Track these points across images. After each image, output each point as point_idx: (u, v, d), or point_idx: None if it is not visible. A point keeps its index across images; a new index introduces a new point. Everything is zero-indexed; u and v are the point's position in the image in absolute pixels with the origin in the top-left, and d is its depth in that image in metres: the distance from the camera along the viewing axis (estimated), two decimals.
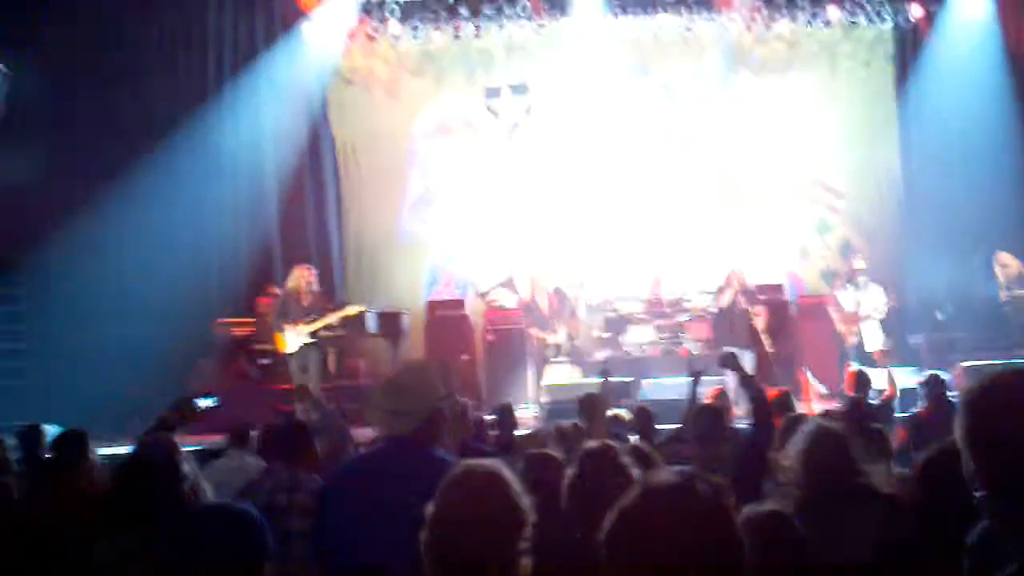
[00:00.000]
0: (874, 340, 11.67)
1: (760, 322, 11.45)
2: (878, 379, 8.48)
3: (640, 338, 12.11)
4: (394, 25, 13.37)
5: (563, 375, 11.45)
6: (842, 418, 5.67)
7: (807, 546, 2.88)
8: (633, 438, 6.47)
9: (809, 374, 10.92)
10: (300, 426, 5.23)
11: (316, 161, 13.45)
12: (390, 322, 11.77)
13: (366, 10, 13.29)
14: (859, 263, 12.12)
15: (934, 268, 12.43)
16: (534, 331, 11.80)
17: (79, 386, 9.34)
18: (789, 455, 3.82)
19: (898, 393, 8.31)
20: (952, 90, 13.00)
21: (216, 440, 6.82)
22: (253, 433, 6.09)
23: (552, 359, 11.67)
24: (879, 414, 7.43)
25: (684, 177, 13.71)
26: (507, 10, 13.30)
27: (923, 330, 12.20)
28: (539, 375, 11.59)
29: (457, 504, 2.42)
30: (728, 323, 11.51)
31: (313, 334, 10.58)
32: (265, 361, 11.49)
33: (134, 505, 3.50)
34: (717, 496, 1.87)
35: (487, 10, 13.30)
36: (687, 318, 12.28)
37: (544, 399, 10.83)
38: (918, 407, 7.75)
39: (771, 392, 7.14)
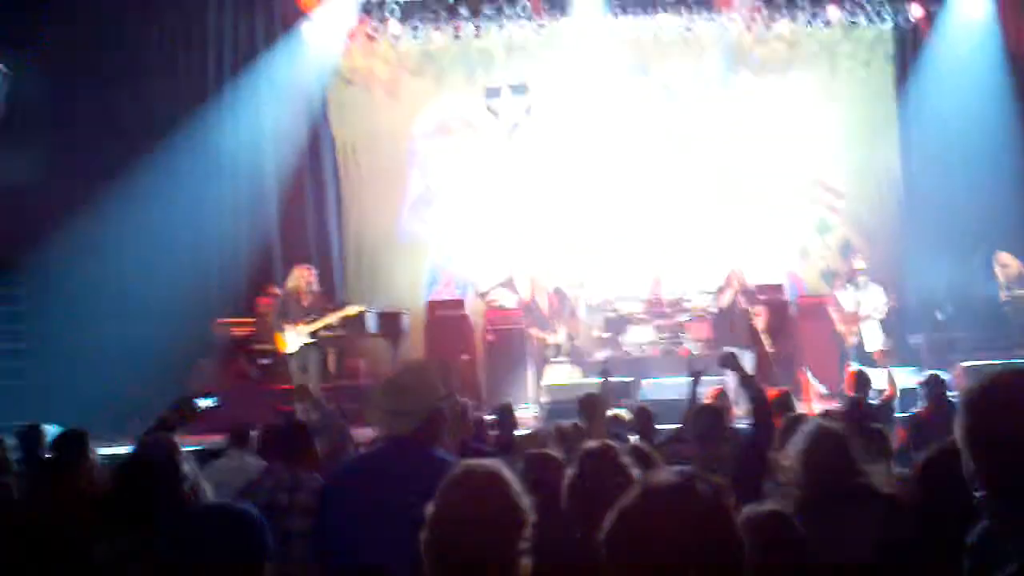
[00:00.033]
0: (874, 340, 11.67)
1: (760, 322, 11.45)
2: (878, 379, 8.48)
3: (640, 338, 12.10)
4: (394, 25, 13.36)
5: (563, 375, 11.45)
6: (842, 418, 5.67)
7: (807, 546, 2.88)
8: (633, 438, 6.47)
9: (809, 374, 10.92)
10: (300, 426, 5.23)
11: (316, 161, 13.44)
12: (390, 322, 11.76)
13: (366, 10, 13.29)
14: (859, 263, 12.12)
15: (934, 268, 12.42)
16: (534, 331, 11.80)
17: (79, 386, 9.33)
18: (789, 455, 3.82)
19: (898, 393, 8.30)
20: (952, 90, 12.99)
21: (216, 440, 6.82)
22: (253, 433, 6.09)
23: (552, 359, 11.67)
24: (879, 414, 7.43)
25: (684, 177, 13.70)
26: (507, 10, 13.29)
27: (923, 330, 12.20)
28: (539, 375, 11.59)
29: (457, 504, 2.42)
30: (728, 323, 11.51)
31: (313, 334, 10.58)
32: (265, 361, 11.49)
33: (134, 505, 3.50)
34: (717, 496, 1.87)
35: (487, 10, 13.29)
36: (687, 318, 12.28)
37: (544, 399, 10.83)
38: (918, 407, 7.75)
39: (771, 392, 7.14)
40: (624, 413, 7.53)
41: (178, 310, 11.06)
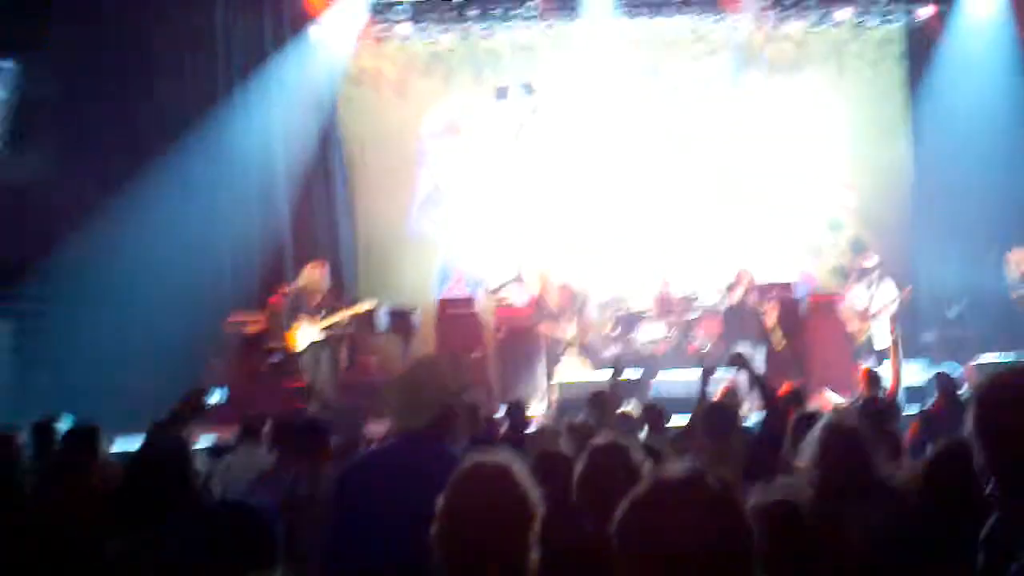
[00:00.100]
0: (885, 337, 11.63)
1: (771, 319, 11.44)
2: (887, 375, 8.46)
3: (650, 335, 12.10)
4: (403, 26, 13.42)
5: (574, 372, 11.45)
6: (855, 415, 5.65)
7: (815, 534, 2.87)
8: (643, 435, 6.48)
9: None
10: (314, 421, 5.24)
11: (326, 161, 13.47)
12: (401, 319, 11.80)
13: (375, 11, 13.33)
14: (871, 260, 12.08)
15: (946, 266, 12.40)
16: (544, 328, 11.80)
17: (93, 381, 9.37)
18: (803, 453, 3.81)
19: (901, 388, 8.28)
20: (964, 87, 12.93)
21: (228, 435, 6.84)
22: (265, 429, 6.10)
23: (562, 356, 11.67)
24: (888, 411, 7.41)
25: (693, 176, 13.71)
26: (516, 11, 13.32)
27: (934, 327, 12.15)
28: (549, 372, 11.59)
29: (466, 497, 2.43)
30: (739, 321, 11.51)
31: (324, 331, 10.65)
32: (277, 358, 11.52)
33: (146, 502, 3.51)
34: (726, 489, 1.88)
35: (496, 11, 13.32)
36: (697, 315, 12.28)
37: (555, 396, 10.83)
38: (928, 403, 7.74)
39: (783, 387, 7.14)
40: (634, 410, 7.53)
41: (191, 308, 11.09)
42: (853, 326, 11.79)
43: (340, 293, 11.82)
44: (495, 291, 13.02)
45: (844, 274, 13.21)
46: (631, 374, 9.18)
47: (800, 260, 13.64)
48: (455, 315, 12.18)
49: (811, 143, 13.88)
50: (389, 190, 13.79)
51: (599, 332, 12.25)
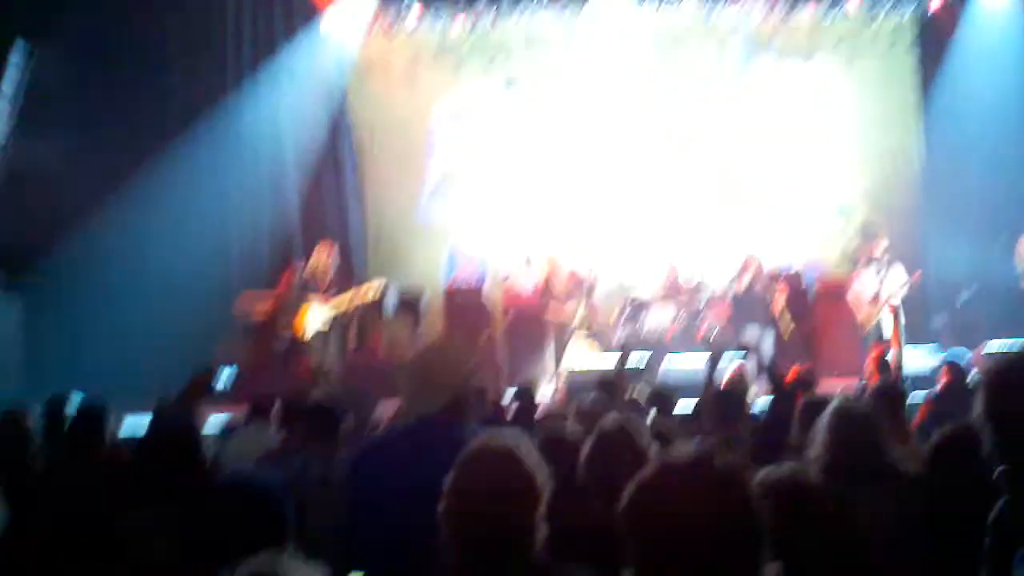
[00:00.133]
0: (889, 322, 11.62)
1: (779, 305, 11.44)
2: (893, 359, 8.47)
3: (658, 320, 12.09)
4: (412, 15, 13.44)
5: (582, 357, 11.47)
6: (865, 399, 5.65)
7: (824, 509, 2.85)
8: (650, 419, 6.47)
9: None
10: (325, 404, 5.25)
11: (335, 149, 13.52)
12: (409, 302, 11.85)
13: (385, 1, 13.36)
14: (880, 246, 12.04)
15: (955, 252, 12.37)
16: (552, 313, 11.81)
17: (103, 362, 9.42)
18: (813, 438, 3.81)
19: (903, 373, 8.29)
20: (975, 75, 12.90)
21: (237, 414, 6.87)
22: (274, 409, 6.11)
23: (570, 342, 11.68)
24: (897, 395, 7.40)
25: (703, 163, 13.69)
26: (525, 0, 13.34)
27: (943, 313, 12.13)
28: (558, 357, 11.60)
29: (473, 476, 2.44)
30: (747, 306, 11.51)
31: (333, 311, 10.72)
32: (285, 341, 11.54)
33: (156, 479, 3.53)
34: (734, 472, 1.89)
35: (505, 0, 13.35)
36: (705, 301, 12.27)
37: (563, 381, 10.85)
38: (936, 388, 7.73)
39: (791, 372, 7.15)
40: (641, 395, 7.53)
41: (201, 292, 11.15)
42: (862, 312, 11.77)
43: (349, 274, 11.88)
44: (504, 277, 13.02)
45: (853, 260, 13.18)
46: (639, 359, 9.17)
47: (809, 246, 13.61)
48: (463, 299, 12.21)
49: (821, 130, 13.83)
50: (399, 178, 13.82)
51: (607, 317, 12.25)
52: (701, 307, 12.15)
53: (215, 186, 11.86)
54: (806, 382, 6.77)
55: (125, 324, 10.62)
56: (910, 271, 11.58)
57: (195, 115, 11.91)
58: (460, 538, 2.41)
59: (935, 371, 8.21)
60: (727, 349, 7.72)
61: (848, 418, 3.75)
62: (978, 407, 2.31)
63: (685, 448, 1.96)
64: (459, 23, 13.56)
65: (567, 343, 11.66)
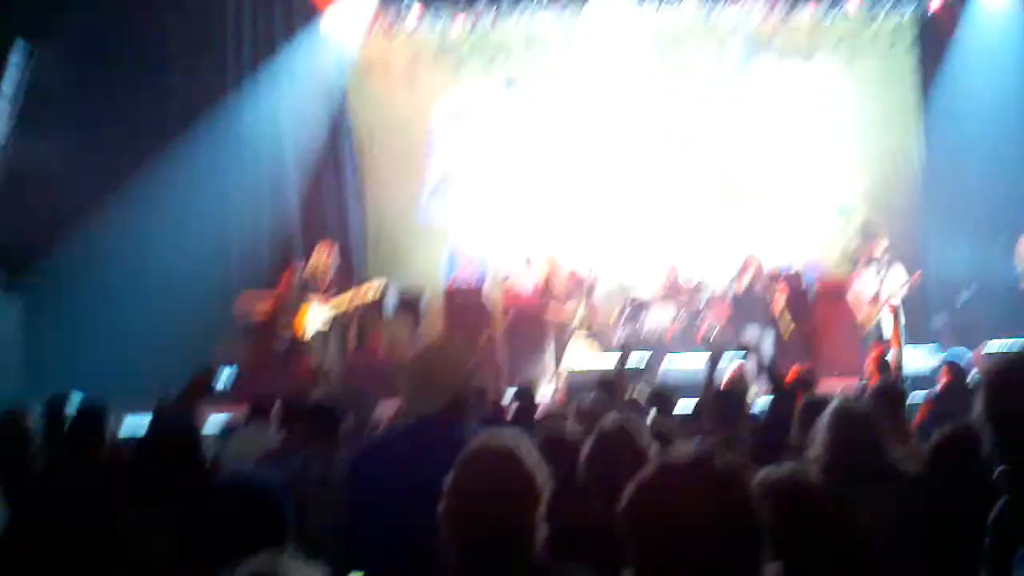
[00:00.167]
0: (889, 322, 11.62)
1: (779, 305, 11.44)
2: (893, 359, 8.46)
3: (658, 322, 12.10)
4: (412, 15, 13.45)
5: (582, 358, 11.46)
6: (865, 399, 5.65)
7: (823, 509, 2.86)
8: (650, 419, 6.47)
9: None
10: (325, 404, 5.25)
11: (336, 150, 13.53)
12: (409, 302, 11.85)
13: (385, 1, 13.37)
14: (880, 246, 12.05)
15: (955, 252, 12.37)
16: (552, 314, 11.81)
17: (103, 362, 9.42)
18: (814, 438, 3.81)
19: (903, 373, 8.28)
20: (975, 75, 12.91)
21: (237, 414, 6.86)
22: (274, 409, 6.11)
23: (570, 342, 11.68)
24: (897, 395, 7.40)
25: (703, 163, 13.69)
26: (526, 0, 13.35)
27: (943, 313, 12.13)
28: (558, 358, 11.60)
29: (473, 476, 2.44)
30: (747, 306, 11.51)
31: (333, 311, 10.73)
32: (285, 341, 11.54)
33: (156, 479, 3.53)
34: (733, 472, 1.89)
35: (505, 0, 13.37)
36: (705, 301, 12.27)
37: (563, 382, 10.85)
38: (936, 388, 7.73)
39: (791, 372, 7.14)
40: (641, 395, 7.53)
41: (201, 293, 11.15)
42: (862, 312, 11.77)
43: (349, 274, 11.88)
44: (504, 277, 13.02)
45: (853, 260, 13.18)
46: (639, 359, 9.17)
47: (809, 246, 13.62)
48: (463, 299, 12.21)
49: (821, 130, 13.84)
50: (399, 178, 13.82)
51: (607, 317, 12.25)
52: (701, 307, 12.15)
53: (215, 186, 11.87)
54: (806, 382, 6.77)
55: (125, 324, 10.62)
56: (910, 271, 11.58)
57: (195, 115, 11.92)
58: (460, 538, 2.41)
59: (935, 371, 8.21)
60: (727, 349, 7.72)
61: (848, 418, 3.75)
62: (978, 407, 2.31)
63: (685, 448, 1.96)
64: (459, 23, 13.59)
65: (567, 343, 11.66)
